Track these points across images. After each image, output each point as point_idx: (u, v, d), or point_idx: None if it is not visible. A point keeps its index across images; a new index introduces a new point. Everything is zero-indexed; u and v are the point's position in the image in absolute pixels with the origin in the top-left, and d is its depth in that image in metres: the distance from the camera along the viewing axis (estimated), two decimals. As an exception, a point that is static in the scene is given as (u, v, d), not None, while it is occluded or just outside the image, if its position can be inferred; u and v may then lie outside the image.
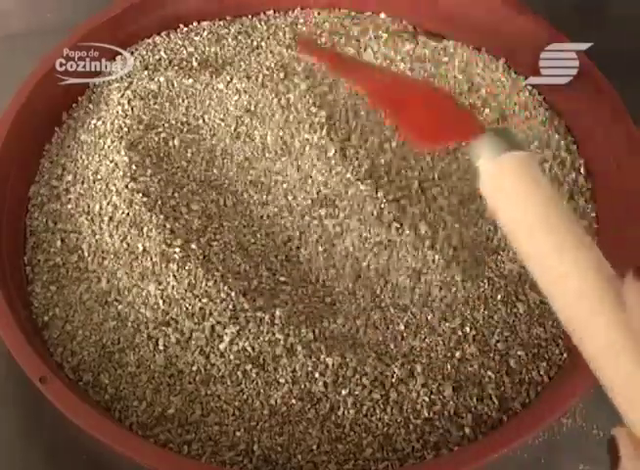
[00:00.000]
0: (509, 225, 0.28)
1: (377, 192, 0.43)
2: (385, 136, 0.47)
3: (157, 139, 0.47)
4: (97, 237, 0.43)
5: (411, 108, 0.35)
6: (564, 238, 0.26)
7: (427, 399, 0.37)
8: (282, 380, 0.37)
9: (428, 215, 0.44)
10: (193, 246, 0.41)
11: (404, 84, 0.39)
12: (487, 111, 0.50)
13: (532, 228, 0.27)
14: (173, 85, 0.49)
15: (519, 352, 0.39)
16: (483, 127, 0.31)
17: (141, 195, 0.43)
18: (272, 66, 0.51)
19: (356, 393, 0.37)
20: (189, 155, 0.47)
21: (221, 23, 0.55)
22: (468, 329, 0.40)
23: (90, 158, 0.47)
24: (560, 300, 0.26)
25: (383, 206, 0.43)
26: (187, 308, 0.39)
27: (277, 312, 0.39)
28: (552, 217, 0.27)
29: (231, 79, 0.49)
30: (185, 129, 0.48)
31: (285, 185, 0.45)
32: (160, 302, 0.40)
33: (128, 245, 0.42)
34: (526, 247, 0.27)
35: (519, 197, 0.28)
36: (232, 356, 0.38)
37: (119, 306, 0.41)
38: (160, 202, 0.43)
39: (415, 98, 0.35)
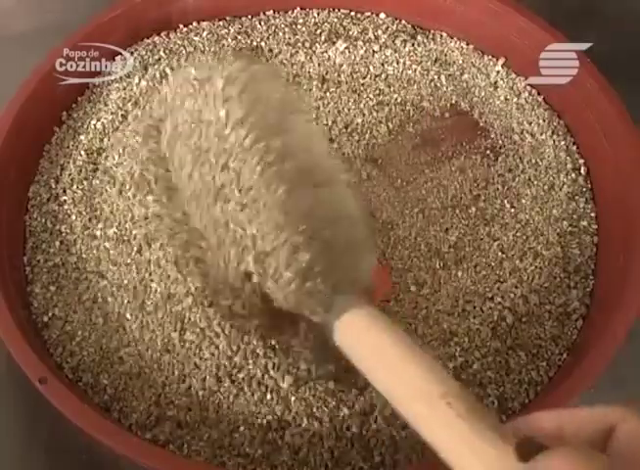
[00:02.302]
0: (368, 367, 0.31)
1: None
2: None
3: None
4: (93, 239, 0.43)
5: None
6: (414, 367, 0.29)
7: (427, 399, 0.37)
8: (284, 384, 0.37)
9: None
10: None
11: None
12: (487, 111, 0.50)
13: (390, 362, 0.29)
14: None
15: (519, 353, 0.39)
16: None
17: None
18: None
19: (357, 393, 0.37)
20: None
21: (221, 23, 0.55)
22: (468, 329, 0.40)
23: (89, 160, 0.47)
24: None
25: None
26: (188, 307, 0.39)
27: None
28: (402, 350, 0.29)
29: None
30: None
31: None
32: (160, 302, 0.40)
33: (125, 244, 0.42)
34: (386, 384, 0.30)
35: (370, 342, 0.30)
36: (236, 359, 0.38)
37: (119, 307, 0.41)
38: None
39: None
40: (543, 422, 0.24)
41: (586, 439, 0.23)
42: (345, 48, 0.52)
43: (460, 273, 0.43)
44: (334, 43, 0.53)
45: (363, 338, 0.31)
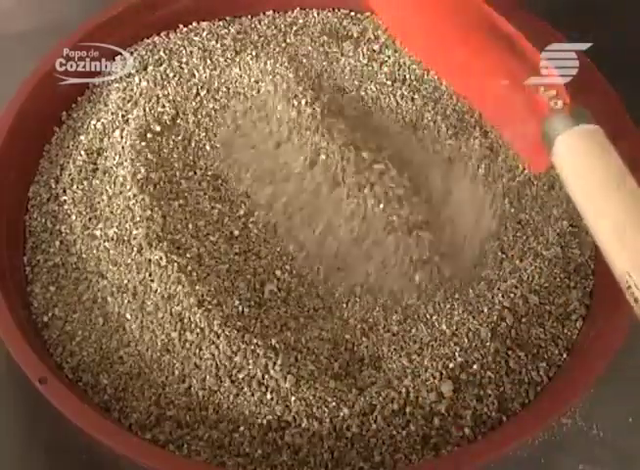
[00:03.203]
0: (580, 186, 0.32)
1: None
2: None
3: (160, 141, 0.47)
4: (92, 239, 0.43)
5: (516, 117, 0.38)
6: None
7: (427, 398, 0.37)
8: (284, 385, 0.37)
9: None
10: (189, 254, 0.41)
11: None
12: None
13: (606, 186, 0.31)
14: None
15: (518, 353, 0.39)
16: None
17: (141, 195, 0.43)
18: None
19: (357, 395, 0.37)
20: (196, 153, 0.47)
21: (221, 23, 0.55)
22: (467, 329, 0.40)
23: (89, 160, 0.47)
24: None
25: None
26: (188, 308, 0.39)
27: (270, 316, 0.39)
28: (623, 176, 0.31)
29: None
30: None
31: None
32: (161, 302, 0.40)
33: (125, 244, 0.42)
34: (598, 209, 0.31)
35: (595, 159, 0.32)
36: (236, 359, 0.38)
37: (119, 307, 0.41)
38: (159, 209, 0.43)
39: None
40: None
41: None
42: (347, 48, 0.53)
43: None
44: (335, 43, 0.53)
45: (583, 164, 0.32)
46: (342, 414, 0.36)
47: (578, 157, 0.33)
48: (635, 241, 0.30)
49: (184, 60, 0.52)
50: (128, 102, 0.49)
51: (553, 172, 0.47)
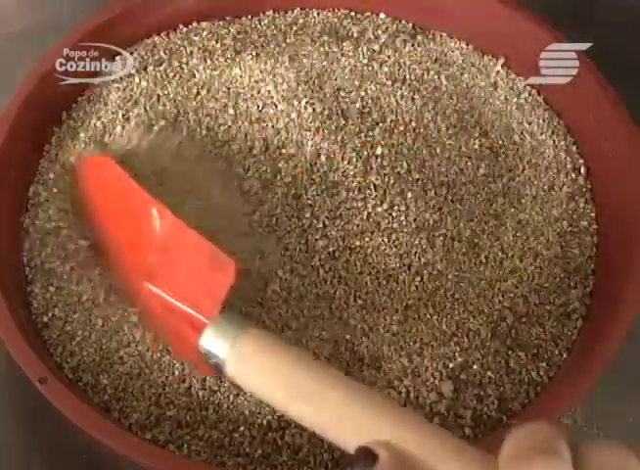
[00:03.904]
0: (269, 394, 0.31)
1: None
2: None
3: None
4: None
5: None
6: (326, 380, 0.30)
7: (427, 398, 0.37)
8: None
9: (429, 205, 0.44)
10: None
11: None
12: (487, 111, 0.50)
13: (293, 386, 0.30)
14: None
15: (518, 353, 0.39)
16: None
17: None
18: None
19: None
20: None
21: (221, 23, 0.55)
22: (467, 329, 0.40)
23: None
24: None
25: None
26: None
27: (271, 316, 0.39)
28: (309, 370, 0.31)
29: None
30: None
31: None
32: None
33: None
34: (300, 407, 0.30)
35: (276, 366, 0.31)
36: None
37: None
38: None
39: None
40: None
41: None
42: (347, 48, 0.53)
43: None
44: (335, 43, 0.53)
45: (271, 368, 0.31)
46: (342, 414, 0.36)
47: (255, 371, 0.32)
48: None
49: (184, 60, 0.52)
50: (128, 102, 0.49)
51: (553, 172, 0.47)
